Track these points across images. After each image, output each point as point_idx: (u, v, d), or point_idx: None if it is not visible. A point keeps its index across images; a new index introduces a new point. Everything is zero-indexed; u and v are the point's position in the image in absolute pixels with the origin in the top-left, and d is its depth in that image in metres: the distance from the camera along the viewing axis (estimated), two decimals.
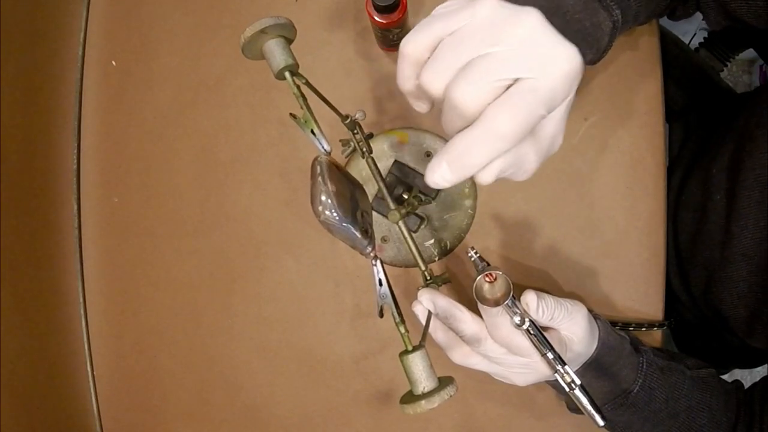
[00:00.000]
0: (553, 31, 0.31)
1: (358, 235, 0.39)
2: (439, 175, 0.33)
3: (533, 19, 0.31)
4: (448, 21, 0.33)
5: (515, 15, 0.31)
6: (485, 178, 0.34)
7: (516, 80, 0.31)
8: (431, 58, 0.33)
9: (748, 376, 1.33)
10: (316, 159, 0.39)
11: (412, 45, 0.34)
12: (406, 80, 0.36)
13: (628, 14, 0.45)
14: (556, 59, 0.31)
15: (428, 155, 0.59)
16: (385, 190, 0.48)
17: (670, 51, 0.76)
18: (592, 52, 0.42)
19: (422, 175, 0.58)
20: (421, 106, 0.39)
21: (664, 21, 0.56)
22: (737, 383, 0.53)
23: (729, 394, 0.51)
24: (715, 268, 0.55)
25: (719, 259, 0.54)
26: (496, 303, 0.41)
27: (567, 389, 0.41)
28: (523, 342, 0.43)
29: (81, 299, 0.65)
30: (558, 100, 0.32)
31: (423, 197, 0.56)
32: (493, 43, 0.31)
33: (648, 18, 0.49)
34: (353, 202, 0.40)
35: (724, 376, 0.61)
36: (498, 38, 0.31)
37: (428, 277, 0.47)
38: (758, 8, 0.45)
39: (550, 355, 0.42)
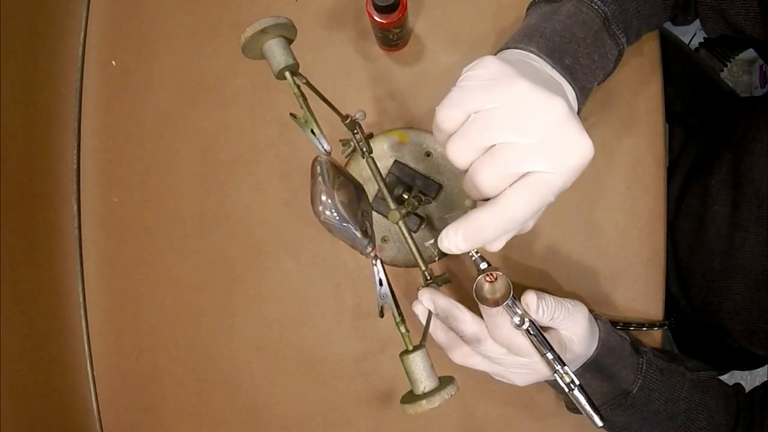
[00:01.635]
0: (575, 122, 0.34)
1: (359, 235, 0.39)
2: (454, 244, 0.37)
3: (560, 109, 0.33)
4: (481, 99, 0.34)
5: (544, 102, 0.33)
6: (495, 248, 0.39)
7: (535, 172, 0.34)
8: (459, 132, 0.35)
9: (747, 377, 1.33)
10: (316, 159, 0.39)
11: (448, 122, 0.36)
12: (441, 142, 0.38)
13: (631, 34, 0.47)
14: (573, 155, 0.34)
15: (428, 155, 0.59)
16: (385, 190, 0.48)
17: (670, 51, 0.76)
18: (599, 79, 0.45)
19: (422, 175, 0.58)
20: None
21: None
22: (738, 386, 0.53)
23: (729, 397, 0.51)
24: (713, 279, 0.55)
25: (718, 270, 0.54)
26: (496, 303, 0.41)
27: (566, 389, 0.41)
28: (523, 342, 0.43)
29: (81, 299, 0.65)
30: (566, 188, 0.35)
31: (423, 197, 0.56)
32: (519, 133, 0.33)
33: (650, 30, 0.50)
34: (353, 202, 0.40)
35: (724, 377, 0.61)
36: (524, 128, 0.33)
37: (428, 277, 0.47)
38: (755, 16, 0.46)
39: (549, 356, 0.42)
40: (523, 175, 0.34)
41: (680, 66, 0.77)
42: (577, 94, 0.41)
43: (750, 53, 1.34)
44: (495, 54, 0.42)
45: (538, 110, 0.33)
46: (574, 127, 0.34)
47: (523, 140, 0.33)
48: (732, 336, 0.55)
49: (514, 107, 0.34)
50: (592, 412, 0.41)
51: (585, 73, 0.42)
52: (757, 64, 1.43)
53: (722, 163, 0.54)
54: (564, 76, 0.41)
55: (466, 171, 0.37)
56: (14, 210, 0.57)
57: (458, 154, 0.35)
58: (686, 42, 0.87)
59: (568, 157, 0.34)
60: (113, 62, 0.66)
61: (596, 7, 0.44)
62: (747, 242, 0.50)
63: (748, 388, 0.53)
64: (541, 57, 0.41)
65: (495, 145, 0.34)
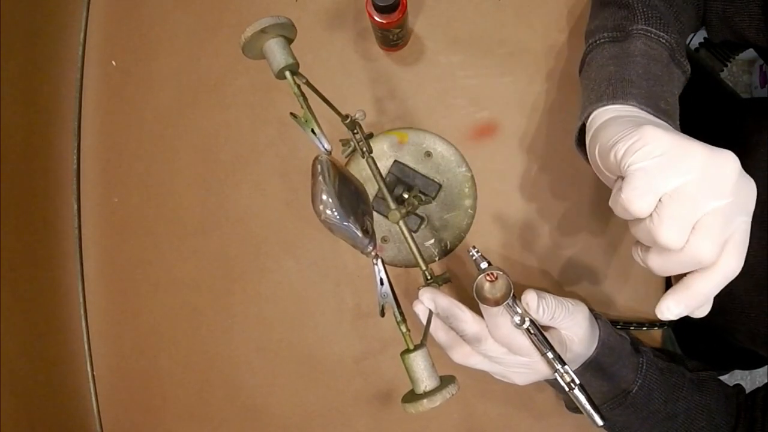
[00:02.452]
0: (740, 170, 0.35)
1: (359, 234, 0.39)
2: (676, 314, 0.37)
3: (736, 165, 0.34)
4: (668, 179, 0.34)
5: (723, 164, 0.34)
6: (704, 312, 0.39)
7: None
8: (668, 216, 0.35)
9: (747, 377, 1.33)
10: (316, 158, 0.39)
11: (645, 210, 0.35)
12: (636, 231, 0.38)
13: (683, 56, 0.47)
14: (753, 196, 0.35)
15: (428, 155, 0.59)
16: (385, 190, 0.48)
17: None
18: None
19: (422, 175, 0.58)
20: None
21: None
22: (738, 387, 0.53)
23: (729, 397, 0.51)
24: None
25: None
26: (497, 302, 0.41)
27: (566, 389, 0.41)
28: (524, 341, 0.43)
29: (81, 299, 0.65)
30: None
31: (423, 197, 0.56)
32: (716, 198, 0.34)
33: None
34: (354, 201, 0.40)
35: (724, 378, 0.61)
36: (719, 192, 0.34)
37: (429, 277, 0.47)
38: (759, 25, 0.46)
39: (549, 355, 0.42)
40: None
41: None
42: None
43: (750, 53, 1.34)
44: (589, 110, 0.42)
45: (722, 173, 0.34)
46: (741, 173, 0.35)
47: (722, 202, 0.34)
48: (735, 336, 0.56)
49: (703, 174, 0.34)
50: (592, 411, 0.41)
51: (675, 110, 0.43)
52: (757, 64, 1.43)
53: None
54: (664, 120, 0.41)
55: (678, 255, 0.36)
56: (14, 210, 0.57)
57: (673, 236, 0.34)
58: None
59: (751, 199, 0.36)
60: (113, 62, 0.66)
61: (663, 41, 0.44)
62: (751, 246, 0.50)
63: (748, 388, 0.53)
64: (642, 109, 0.40)
65: (704, 216, 0.34)
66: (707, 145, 0.35)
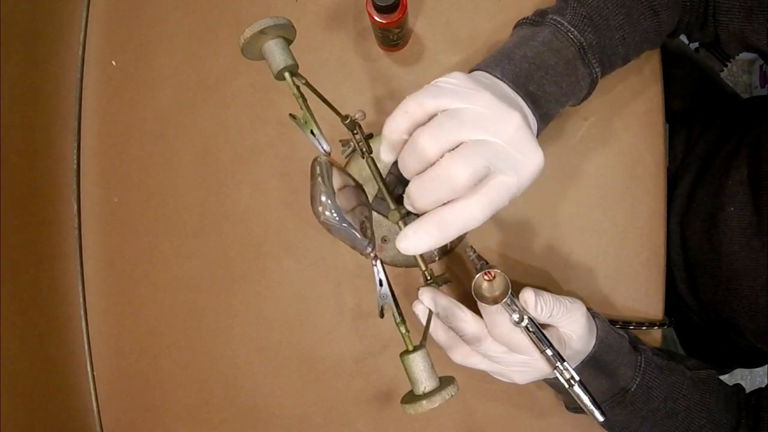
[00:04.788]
0: (531, 134, 0.37)
1: (358, 235, 0.39)
2: (413, 244, 0.37)
3: (519, 120, 0.36)
4: (454, 100, 0.36)
5: (507, 112, 0.36)
6: (452, 242, 0.41)
7: (493, 172, 0.36)
8: (432, 125, 0.36)
9: (748, 377, 1.34)
10: (315, 159, 0.39)
11: (420, 111, 0.37)
12: (396, 131, 0.39)
13: (616, 60, 0.48)
14: (530, 164, 0.36)
15: None
16: (385, 190, 0.48)
17: (670, 51, 0.76)
18: (567, 105, 0.47)
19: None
20: (388, 155, 0.42)
21: None
22: (738, 386, 0.53)
23: (729, 396, 0.51)
24: (723, 279, 0.55)
25: (728, 271, 0.54)
26: (495, 301, 0.41)
27: (566, 386, 0.41)
28: (523, 339, 0.43)
29: (81, 299, 0.65)
30: (519, 194, 0.38)
31: None
32: (491, 134, 0.35)
33: (639, 54, 0.51)
34: (353, 202, 0.40)
35: (725, 377, 0.61)
36: (495, 131, 0.35)
37: (429, 277, 0.47)
38: None
39: (549, 352, 0.42)
40: (485, 177, 0.36)
41: (680, 66, 0.77)
42: (537, 120, 0.43)
43: (750, 53, 1.34)
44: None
45: (504, 117, 0.36)
46: (531, 137, 0.37)
47: (496, 140, 0.35)
48: (741, 333, 0.56)
49: (484, 112, 0.36)
50: (592, 407, 0.41)
51: (548, 100, 0.44)
52: (757, 64, 1.43)
53: (739, 165, 0.54)
54: (526, 102, 0.42)
55: (429, 170, 0.37)
56: (14, 210, 0.57)
57: (430, 142, 0.36)
58: (686, 42, 0.87)
59: (526, 164, 0.36)
60: (113, 62, 0.66)
61: (572, 36, 0.45)
62: (766, 246, 0.50)
63: (748, 388, 0.53)
64: (504, 81, 0.42)
65: (465, 141, 0.35)
66: (506, 101, 0.37)
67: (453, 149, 0.36)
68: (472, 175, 0.35)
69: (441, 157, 0.36)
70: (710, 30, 0.51)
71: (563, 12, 0.45)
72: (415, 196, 0.37)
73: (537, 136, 0.44)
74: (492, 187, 0.36)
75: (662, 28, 0.48)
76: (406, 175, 0.39)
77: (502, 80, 0.42)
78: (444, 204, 0.37)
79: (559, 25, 0.45)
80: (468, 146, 0.35)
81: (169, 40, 0.65)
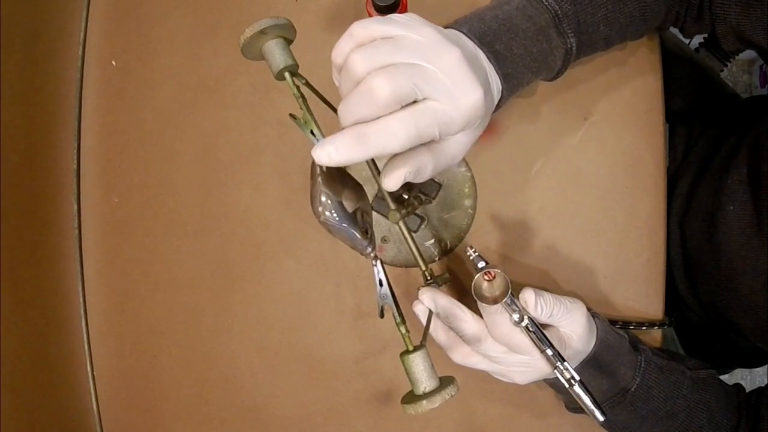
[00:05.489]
0: (471, 70, 0.36)
1: (358, 235, 0.39)
2: (327, 153, 0.34)
3: (458, 54, 0.35)
4: (399, 28, 0.36)
5: (445, 44, 0.36)
6: (390, 183, 0.38)
7: (424, 99, 0.35)
8: (370, 45, 0.36)
9: (748, 376, 1.34)
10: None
11: (363, 29, 0.37)
12: (340, 54, 0.38)
13: (597, 38, 0.47)
14: (465, 96, 0.35)
15: None
16: (385, 191, 0.48)
17: (670, 51, 0.76)
18: (537, 74, 0.46)
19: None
20: (336, 80, 0.41)
21: None
22: (738, 386, 0.53)
23: (729, 396, 0.51)
24: (722, 279, 0.55)
25: (728, 270, 0.54)
26: (495, 301, 0.41)
27: (567, 386, 0.41)
28: (523, 339, 0.43)
29: (81, 299, 0.65)
30: (452, 129, 0.36)
31: (423, 197, 0.56)
32: (426, 60, 0.35)
33: (623, 40, 0.51)
34: (353, 202, 0.40)
35: (725, 377, 0.61)
36: (431, 58, 0.35)
37: (429, 277, 0.47)
38: None
39: (549, 352, 0.42)
40: (416, 102, 0.35)
41: (680, 66, 0.77)
42: (501, 80, 0.42)
43: (750, 53, 1.34)
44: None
45: (444, 49, 0.35)
46: (470, 74, 0.36)
47: (430, 67, 0.35)
48: (741, 332, 0.56)
49: (423, 41, 0.36)
50: (593, 407, 0.41)
51: (515, 62, 0.43)
52: (757, 64, 1.43)
53: (739, 164, 0.54)
54: (489, 59, 0.41)
55: (355, 89, 0.36)
56: (14, 210, 0.57)
57: (357, 64, 0.35)
58: (686, 42, 0.87)
59: (461, 97, 0.35)
60: (113, 62, 0.66)
61: (546, 4, 0.44)
62: (765, 246, 0.50)
63: (748, 387, 0.53)
64: (469, 37, 0.41)
65: (402, 63, 0.35)
66: (447, 36, 0.36)
67: None
68: (393, 90, 0.34)
69: None
70: (706, 22, 0.51)
71: None
72: (341, 114, 0.36)
73: (504, 100, 0.44)
74: (418, 108, 0.35)
75: (648, 13, 0.48)
76: (342, 96, 0.37)
77: (466, 35, 0.41)
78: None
79: None
80: (395, 65, 0.34)
81: (169, 40, 0.65)
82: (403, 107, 0.35)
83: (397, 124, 0.34)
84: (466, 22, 0.43)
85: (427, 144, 0.38)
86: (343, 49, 0.38)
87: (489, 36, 0.42)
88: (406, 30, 0.36)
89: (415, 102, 0.35)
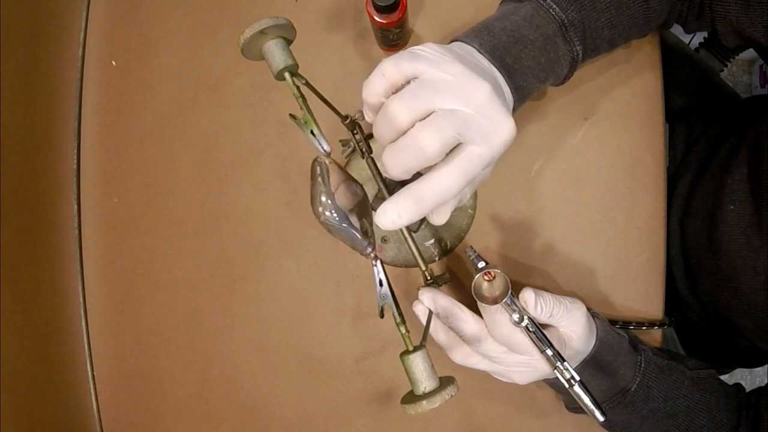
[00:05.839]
0: (501, 103, 0.37)
1: (358, 235, 0.39)
2: (390, 220, 0.37)
3: (488, 90, 0.36)
4: (429, 65, 0.37)
5: (478, 82, 0.37)
6: (439, 220, 0.42)
7: (464, 143, 0.36)
8: (406, 91, 0.37)
9: (748, 376, 1.34)
10: (315, 160, 0.39)
11: (394, 67, 0.37)
12: (374, 93, 0.39)
13: (601, 42, 0.48)
14: (501, 132, 0.37)
15: None
16: (385, 190, 0.48)
17: (670, 51, 0.76)
18: (545, 82, 0.47)
19: (422, 175, 0.58)
20: (370, 117, 0.42)
21: None
22: (738, 386, 0.53)
23: (729, 396, 0.51)
24: (722, 278, 0.55)
25: (728, 269, 0.54)
26: (495, 301, 0.41)
27: (566, 386, 0.41)
28: (523, 339, 0.43)
29: (81, 299, 0.65)
30: (493, 163, 0.38)
31: None
32: (463, 103, 0.36)
33: (627, 41, 0.51)
34: (353, 202, 0.40)
35: (725, 377, 0.61)
36: (466, 99, 0.36)
37: (429, 277, 0.47)
38: None
39: (549, 352, 0.42)
40: (456, 148, 0.37)
41: (680, 65, 0.77)
42: (512, 92, 0.43)
43: (750, 53, 1.34)
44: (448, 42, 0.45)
45: (474, 86, 0.36)
46: (501, 107, 0.37)
47: (465, 109, 0.35)
48: (741, 332, 0.56)
49: (455, 81, 0.36)
50: (593, 407, 0.41)
51: (525, 74, 0.44)
52: (757, 64, 1.43)
53: (739, 164, 0.54)
54: (501, 73, 0.42)
55: (400, 140, 0.37)
56: (14, 210, 0.57)
57: (399, 113, 0.36)
58: (686, 42, 0.87)
59: (496, 133, 0.36)
60: (113, 62, 0.66)
61: (553, 13, 0.45)
62: (766, 245, 0.50)
63: (748, 387, 0.53)
64: (481, 53, 0.42)
65: (436, 111, 0.36)
66: (476, 71, 0.37)
67: (424, 119, 0.36)
68: (441, 144, 0.35)
69: (412, 127, 0.37)
70: (707, 20, 0.51)
71: None
72: (388, 164, 0.38)
73: (514, 111, 0.44)
74: (464, 158, 0.36)
75: (651, 14, 0.48)
76: (380, 141, 0.39)
77: (479, 51, 0.42)
78: (418, 179, 0.37)
79: (542, 1, 0.45)
80: (438, 116, 0.35)
81: (169, 40, 0.65)
82: (448, 157, 0.37)
83: (451, 181, 0.36)
84: (477, 35, 0.43)
85: None
86: (376, 88, 0.38)
87: (499, 50, 0.43)
88: (435, 67, 0.37)
89: (457, 148, 0.37)
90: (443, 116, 0.35)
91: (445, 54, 0.38)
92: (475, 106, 0.36)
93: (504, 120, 0.37)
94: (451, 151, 0.37)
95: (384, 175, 0.41)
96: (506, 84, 0.42)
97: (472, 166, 0.36)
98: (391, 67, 0.37)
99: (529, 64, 0.44)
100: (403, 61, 0.37)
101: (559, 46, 0.45)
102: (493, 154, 0.37)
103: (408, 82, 0.38)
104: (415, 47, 0.39)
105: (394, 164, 0.37)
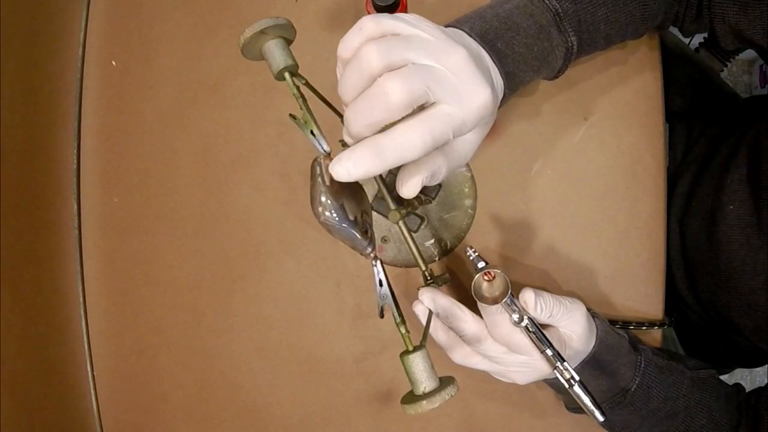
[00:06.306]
0: (477, 70, 0.36)
1: (358, 235, 0.39)
2: (345, 169, 0.34)
3: (464, 54, 0.35)
4: (409, 24, 0.36)
5: (451, 44, 0.36)
6: (408, 191, 0.39)
7: (435, 102, 0.34)
8: (382, 41, 0.35)
9: (748, 376, 1.34)
10: (315, 160, 0.39)
11: (374, 23, 0.36)
12: (349, 48, 0.37)
13: (597, 37, 0.48)
14: (475, 97, 0.35)
15: None
16: (385, 190, 0.48)
17: (670, 51, 0.76)
18: (539, 72, 0.46)
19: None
20: (341, 72, 0.40)
21: None
22: (738, 386, 0.53)
23: (729, 396, 0.51)
24: (722, 278, 0.55)
25: (727, 269, 0.54)
26: (495, 301, 0.41)
27: (566, 386, 0.41)
28: (523, 340, 0.43)
29: (81, 299, 0.65)
30: (464, 131, 0.36)
31: (423, 197, 0.56)
32: (437, 60, 0.34)
33: (623, 39, 0.51)
34: (353, 202, 0.40)
35: (725, 378, 0.61)
36: (441, 58, 0.35)
37: (429, 277, 0.47)
38: None
39: (549, 352, 0.42)
40: (426, 106, 0.35)
41: (680, 66, 0.77)
42: (503, 77, 0.42)
43: (750, 53, 1.34)
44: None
45: (453, 49, 0.35)
46: (478, 73, 0.36)
47: (440, 67, 0.34)
48: (741, 332, 0.56)
49: (433, 40, 0.35)
50: (593, 407, 0.41)
51: (517, 60, 0.43)
52: (757, 64, 1.43)
53: (739, 164, 0.54)
54: (491, 57, 0.42)
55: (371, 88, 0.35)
56: (14, 210, 0.57)
57: (373, 56, 0.34)
58: (686, 42, 0.87)
59: (470, 97, 0.35)
60: (113, 62, 0.66)
61: (547, 2, 0.45)
62: (765, 245, 0.50)
63: (748, 387, 0.53)
64: (471, 36, 0.42)
65: (408, 65, 0.34)
66: (451, 37, 0.36)
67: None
68: (408, 94, 0.33)
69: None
70: (705, 21, 0.51)
71: None
72: (350, 119, 0.35)
73: (506, 100, 0.44)
74: (431, 114, 0.34)
75: (648, 12, 0.48)
76: (344, 96, 0.36)
77: (469, 35, 0.42)
78: (386, 130, 0.35)
79: None
80: (410, 68, 0.34)
81: (169, 40, 0.65)
82: (415, 113, 0.34)
83: (414, 135, 0.34)
84: (467, 20, 0.43)
85: (439, 147, 0.38)
86: (351, 43, 0.37)
87: (490, 34, 0.42)
88: (415, 28, 0.36)
89: (425, 106, 0.35)
90: (414, 68, 0.34)
91: (430, 23, 0.37)
92: (451, 66, 0.34)
93: (480, 84, 0.35)
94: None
95: (345, 138, 0.38)
96: (496, 69, 0.42)
97: (440, 124, 0.34)
98: (371, 22, 0.36)
99: (521, 51, 0.43)
100: (384, 17, 0.36)
101: (553, 36, 0.45)
102: (465, 117, 0.35)
103: None
104: (399, 14, 0.39)
105: (356, 119, 0.34)
